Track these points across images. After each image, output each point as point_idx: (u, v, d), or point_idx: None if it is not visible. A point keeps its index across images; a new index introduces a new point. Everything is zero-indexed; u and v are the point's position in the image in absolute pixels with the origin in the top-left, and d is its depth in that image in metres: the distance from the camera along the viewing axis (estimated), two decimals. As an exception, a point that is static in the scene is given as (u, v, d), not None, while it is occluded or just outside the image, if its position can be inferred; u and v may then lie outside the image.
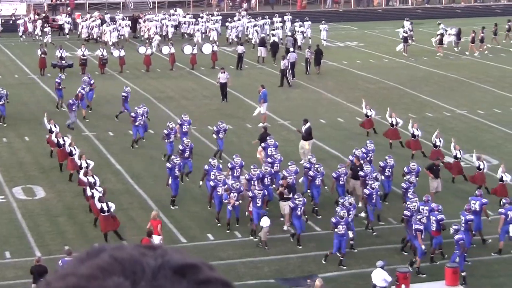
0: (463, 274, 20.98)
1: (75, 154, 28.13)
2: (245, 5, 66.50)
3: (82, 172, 25.97)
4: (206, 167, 26.06)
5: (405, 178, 25.41)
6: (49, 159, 30.75)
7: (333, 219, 22.15)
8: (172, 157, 26.98)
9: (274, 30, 54.69)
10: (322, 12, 70.48)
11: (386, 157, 26.96)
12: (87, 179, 25.50)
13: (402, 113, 34.34)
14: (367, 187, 24.30)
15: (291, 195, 23.74)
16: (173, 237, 23.94)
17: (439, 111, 38.16)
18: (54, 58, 46.16)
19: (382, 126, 34.18)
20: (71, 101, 34.79)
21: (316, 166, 25.87)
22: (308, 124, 30.50)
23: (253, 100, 39.70)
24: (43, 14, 59.07)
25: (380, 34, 58.66)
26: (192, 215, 25.68)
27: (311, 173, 25.74)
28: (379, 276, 20.06)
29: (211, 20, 57.57)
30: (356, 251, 23.11)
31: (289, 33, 53.03)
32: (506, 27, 55.47)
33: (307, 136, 30.25)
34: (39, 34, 56.75)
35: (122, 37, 55.61)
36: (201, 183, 26.68)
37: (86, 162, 26.55)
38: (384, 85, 43.90)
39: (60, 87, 37.75)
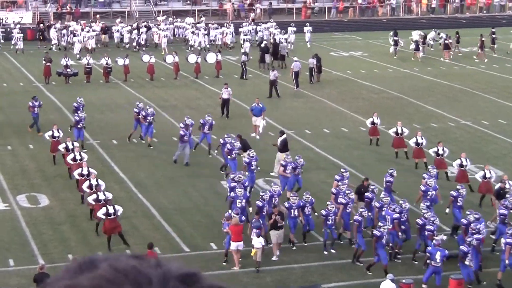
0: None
1: (79, 160, 28.16)
2: (252, 15, 66.71)
3: (86, 183, 25.91)
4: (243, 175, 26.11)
5: (458, 187, 25.27)
6: (53, 167, 30.78)
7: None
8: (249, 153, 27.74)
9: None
10: (326, 21, 70.60)
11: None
12: (90, 182, 25.56)
13: (406, 123, 34.23)
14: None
15: (284, 223, 23.40)
16: (176, 246, 23.93)
17: (444, 122, 38.11)
18: (59, 66, 46.31)
19: (386, 136, 34.18)
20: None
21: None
22: (284, 136, 30.57)
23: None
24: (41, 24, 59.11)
25: (385, 44, 58.60)
26: (194, 224, 25.65)
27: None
28: None
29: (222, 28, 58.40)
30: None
31: (271, 40, 53.90)
32: (481, 40, 54.43)
33: (283, 148, 30.15)
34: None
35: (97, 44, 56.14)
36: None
37: (97, 181, 25.97)
38: (388, 95, 43.90)
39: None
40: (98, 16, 64.14)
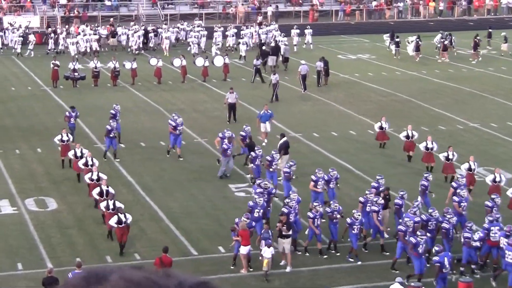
0: None
1: (91, 165, 28.11)
2: (260, 18, 66.80)
3: (96, 189, 25.92)
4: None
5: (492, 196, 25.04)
6: (61, 170, 30.83)
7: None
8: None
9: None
10: (333, 24, 70.59)
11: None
12: (101, 188, 25.61)
13: (414, 126, 33.98)
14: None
15: (290, 232, 23.03)
16: (184, 250, 23.92)
17: (452, 124, 38.05)
18: (67, 70, 46.38)
19: (395, 139, 34.17)
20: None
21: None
22: (284, 139, 30.56)
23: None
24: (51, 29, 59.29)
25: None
26: (202, 228, 25.65)
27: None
28: None
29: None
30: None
31: (273, 43, 54.12)
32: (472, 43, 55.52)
33: (285, 150, 30.08)
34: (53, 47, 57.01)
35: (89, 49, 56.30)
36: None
37: (107, 187, 25.99)
38: (396, 97, 43.85)
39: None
40: (112, 19, 64.39)
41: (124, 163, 32.04)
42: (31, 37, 56.54)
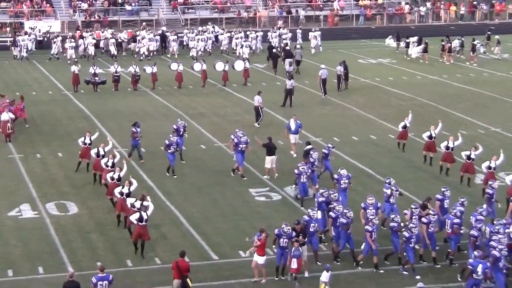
0: None
1: (111, 166, 28.30)
2: (280, 23, 66.92)
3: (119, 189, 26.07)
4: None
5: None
6: (81, 175, 30.95)
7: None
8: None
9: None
10: (354, 29, 70.59)
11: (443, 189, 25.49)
12: (122, 187, 25.79)
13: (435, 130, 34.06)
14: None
15: (306, 240, 22.89)
16: (204, 254, 23.97)
17: (473, 129, 37.98)
18: (88, 74, 46.61)
19: (415, 143, 34.10)
20: None
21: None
22: (309, 146, 29.94)
23: (284, 116, 39.77)
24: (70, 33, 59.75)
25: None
26: (222, 232, 25.69)
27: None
28: None
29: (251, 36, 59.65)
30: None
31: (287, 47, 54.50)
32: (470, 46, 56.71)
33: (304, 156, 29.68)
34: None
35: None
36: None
37: (128, 190, 26.02)
38: (417, 102, 43.79)
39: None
40: (144, 23, 64.92)
41: (145, 167, 32.12)
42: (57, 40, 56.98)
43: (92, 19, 67.11)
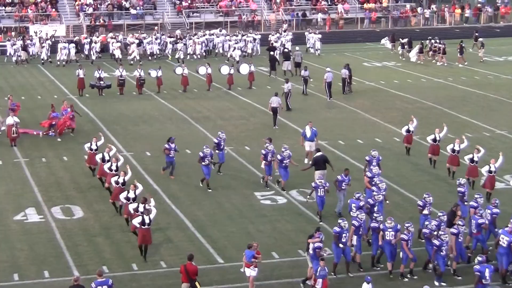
0: None
1: (115, 170, 28.38)
2: (285, 26, 67.06)
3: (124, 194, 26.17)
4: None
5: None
6: (87, 179, 31.07)
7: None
8: None
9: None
10: (359, 32, 70.68)
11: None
12: (128, 192, 25.87)
13: (440, 132, 34.02)
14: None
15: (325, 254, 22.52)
16: (210, 258, 24.03)
17: (479, 131, 38.03)
18: (93, 78, 46.77)
19: (420, 146, 34.16)
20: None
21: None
22: (320, 153, 29.60)
23: (288, 119, 39.83)
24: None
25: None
26: (228, 236, 25.76)
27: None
28: None
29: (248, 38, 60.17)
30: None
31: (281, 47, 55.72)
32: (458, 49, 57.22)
33: (318, 165, 29.28)
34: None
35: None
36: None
37: (135, 194, 26.09)
38: (422, 105, 43.86)
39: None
40: (156, 27, 65.07)
41: (150, 171, 32.24)
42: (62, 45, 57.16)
43: (97, 23, 67.27)
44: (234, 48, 57.86)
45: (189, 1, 71.26)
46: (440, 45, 57.04)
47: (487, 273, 20.52)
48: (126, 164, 29.44)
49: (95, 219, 27.19)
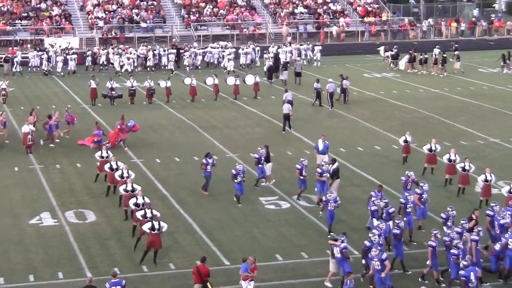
0: None
1: (126, 177, 28.78)
2: (289, 38, 68.20)
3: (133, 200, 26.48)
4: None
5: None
6: (99, 184, 31.39)
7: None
8: None
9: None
10: (360, 44, 71.74)
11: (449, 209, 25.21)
12: (137, 199, 26.11)
13: (437, 141, 34.04)
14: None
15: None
16: (217, 260, 24.22)
17: (473, 140, 38.57)
18: (105, 88, 47.56)
19: (418, 153, 34.72)
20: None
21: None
22: (336, 164, 29.66)
23: (292, 128, 40.89)
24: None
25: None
26: (234, 239, 26.08)
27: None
28: None
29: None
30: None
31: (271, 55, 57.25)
32: (434, 57, 59.36)
33: (337, 175, 29.56)
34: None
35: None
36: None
37: (143, 199, 26.34)
38: (420, 114, 44.39)
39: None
40: (174, 40, 66.32)
41: (159, 177, 32.68)
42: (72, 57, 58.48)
43: (109, 35, 68.43)
44: (229, 59, 58.94)
45: (197, 15, 72.26)
46: (425, 56, 58.73)
47: (472, 277, 20.47)
48: (125, 165, 29.75)
49: (107, 223, 27.48)
